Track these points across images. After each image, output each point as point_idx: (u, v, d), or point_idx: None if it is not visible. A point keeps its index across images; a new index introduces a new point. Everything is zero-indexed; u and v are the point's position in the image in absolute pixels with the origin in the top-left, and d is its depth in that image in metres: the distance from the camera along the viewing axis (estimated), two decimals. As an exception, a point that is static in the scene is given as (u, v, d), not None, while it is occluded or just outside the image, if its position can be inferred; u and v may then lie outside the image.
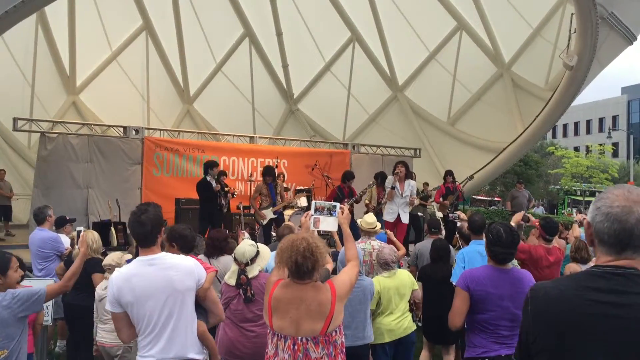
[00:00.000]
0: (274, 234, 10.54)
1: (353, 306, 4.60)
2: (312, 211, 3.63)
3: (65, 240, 6.85)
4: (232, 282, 4.38)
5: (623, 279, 1.70)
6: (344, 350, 3.23)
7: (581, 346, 1.69)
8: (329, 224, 3.63)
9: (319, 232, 3.71)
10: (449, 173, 12.06)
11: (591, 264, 3.82)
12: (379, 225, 6.52)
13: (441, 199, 11.74)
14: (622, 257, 1.74)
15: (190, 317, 3.33)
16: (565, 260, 6.47)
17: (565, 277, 1.91)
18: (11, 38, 14.11)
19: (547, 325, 1.76)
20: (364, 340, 4.70)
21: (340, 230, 3.85)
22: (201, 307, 3.52)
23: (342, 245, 3.99)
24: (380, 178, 11.15)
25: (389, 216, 9.61)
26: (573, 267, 6.28)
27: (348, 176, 11.11)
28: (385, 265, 5.24)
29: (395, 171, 9.70)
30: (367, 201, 11.01)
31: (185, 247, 4.39)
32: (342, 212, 3.64)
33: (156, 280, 3.21)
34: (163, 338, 3.22)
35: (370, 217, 6.47)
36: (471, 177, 12.92)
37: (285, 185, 13.39)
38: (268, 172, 10.92)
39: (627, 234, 1.72)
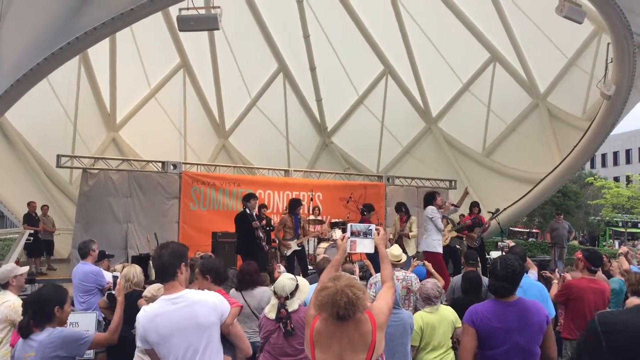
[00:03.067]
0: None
1: (394, 340, 4.53)
2: (348, 234, 3.60)
3: (107, 275, 6.97)
4: (272, 315, 4.39)
5: None
6: None
7: None
8: (365, 246, 3.58)
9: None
10: (474, 204, 12.02)
11: None
12: (404, 257, 6.47)
13: (467, 231, 11.61)
14: None
15: (216, 352, 3.33)
16: (617, 294, 6.31)
17: (632, 310, 1.83)
18: (55, 76, 14.56)
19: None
20: None
21: (373, 255, 3.81)
22: (229, 342, 3.52)
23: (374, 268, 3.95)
24: (404, 209, 11.23)
25: (440, 247, 9.49)
26: (637, 301, 6.05)
27: (369, 208, 11.53)
28: (428, 300, 5.16)
29: (439, 202, 9.63)
30: (390, 236, 11.07)
31: (218, 279, 4.41)
32: (378, 234, 3.61)
33: (180, 319, 3.23)
34: None
35: (397, 250, 6.41)
36: (500, 211, 12.31)
37: (320, 217, 13.43)
38: (297, 204, 11.08)
39: None
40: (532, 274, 6.26)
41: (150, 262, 10.71)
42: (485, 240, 12.11)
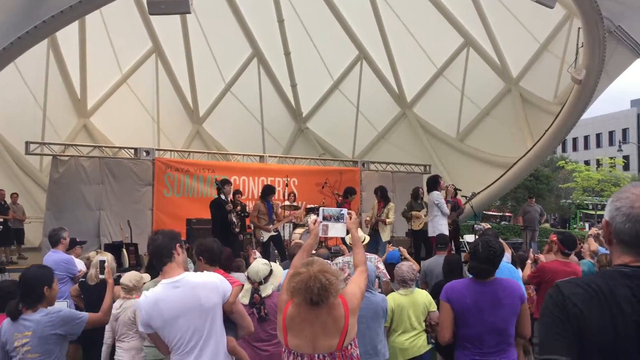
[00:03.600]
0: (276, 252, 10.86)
1: (366, 322, 4.56)
2: (320, 218, 3.58)
3: (79, 263, 6.87)
4: (246, 301, 4.38)
5: None
6: None
7: (619, 347, 1.67)
8: (337, 230, 3.58)
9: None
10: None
11: None
12: (367, 239, 6.52)
13: None
14: None
15: (220, 333, 3.36)
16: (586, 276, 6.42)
17: (596, 275, 1.89)
18: (23, 62, 14.27)
19: (589, 326, 1.72)
20: (377, 357, 4.65)
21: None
22: (229, 321, 3.52)
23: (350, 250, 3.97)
24: (380, 192, 11.27)
25: (446, 231, 9.69)
26: None
27: (350, 192, 11.53)
28: (403, 283, 5.20)
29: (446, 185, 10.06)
30: (367, 218, 11.13)
31: (212, 260, 4.37)
32: (350, 217, 3.61)
33: (184, 302, 3.24)
34: (193, 355, 3.24)
35: (360, 234, 6.44)
36: (474, 195, 12.43)
37: (296, 203, 13.42)
38: (269, 191, 11.11)
39: None
40: (506, 256, 6.33)
41: (124, 250, 10.62)
42: (460, 223, 12.22)
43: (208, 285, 3.33)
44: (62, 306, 4.17)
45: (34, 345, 3.56)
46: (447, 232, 9.61)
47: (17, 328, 3.62)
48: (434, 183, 10.19)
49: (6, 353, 3.65)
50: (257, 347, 4.33)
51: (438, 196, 9.86)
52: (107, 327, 5.02)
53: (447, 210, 9.92)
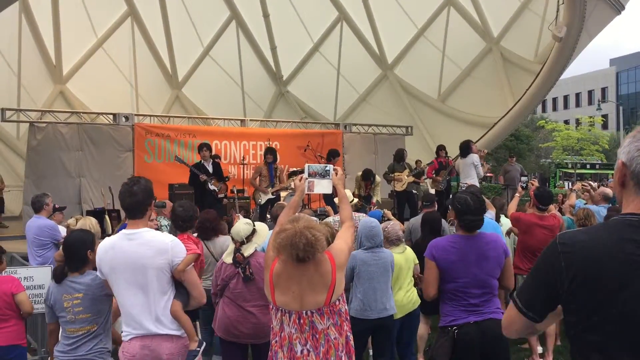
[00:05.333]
0: (268, 215, 10.67)
1: (376, 278, 4.73)
2: (305, 175, 3.56)
3: (61, 229, 6.82)
4: (229, 260, 4.39)
5: None
6: (349, 317, 3.24)
7: (624, 303, 1.60)
8: (323, 186, 3.55)
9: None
10: (441, 148, 12.09)
11: None
12: (355, 200, 6.59)
13: (434, 174, 11.77)
14: None
15: (160, 294, 3.38)
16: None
17: (599, 227, 1.80)
18: (-6, 27, 13.97)
19: (589, 282, 1.65)
20: (388, 311, 4.80)
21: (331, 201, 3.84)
22: (182, 287, 3.52)
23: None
24: (363, 174, 11.07)
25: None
26: None
27: (334, 154, 11.37)
28: (397, 241, 5.26)
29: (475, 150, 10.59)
30: (355, 191, 11.07)
31: (176, 225, 4.38)
32: (337, 174, 3.59)
33: (128, 256, 3.34)
34: (134, 313, 3.35)
35: (347, 194, 6.49)
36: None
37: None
38: (270, 151, 11.14)
39: None
40: (490, 214, 6.40)
41: (106, 216, 10.55)
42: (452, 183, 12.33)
43: (156, 245, 3.37)
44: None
45: (86, 306, 3.69)
46: None
47: (65, 290, 3.74)
48: (467, 147, 10.72)
49: (54, 312, 3.82)
50: (243, 307, 4.34)
51: (477, 159, 10.41)
52: None
53: (482, 172, 10.56)
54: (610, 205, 7.23)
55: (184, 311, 3.54)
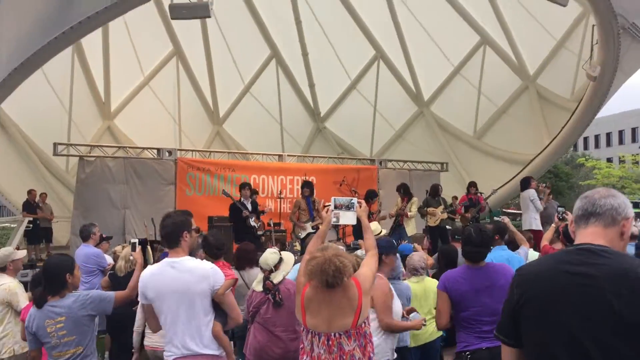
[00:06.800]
0: None
1: None
2: (332, 207, 3.84)
3: (107, 257, 7.21)
4: (259, 288, 4.66)
5: (590, 253, 1.95)
6: (372, 339, 3.47)
7: (558, 313, 1.93)
8: (348, 218, 3.81)
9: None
10: (471, 184, 12.27)
11: None
12: (384, 232, 6.76)
13: (462, 211, 11.90)
14: (589, 227, 2.04)
15: (203, 317, 3.64)
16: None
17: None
18: (49, 66, 14.60)
19: (530, 297, 2.01)
20: (402, 343, 4.94)
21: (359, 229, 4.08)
22: (221, 309, 3.80)
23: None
24: (403, 190, 11.47)
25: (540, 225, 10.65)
26: None
27: (372, 195, 11.37)
28: (414, 271, 5.45)
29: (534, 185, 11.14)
30: (392, 212, 11.32)
31: (210, 253, 4.68)
32: (360, 206, 3.86)
33: (173, 281, 3.61)
34: (178, 334, 3.60)
35: (374, 225, 6.67)
36: (495, 191, 12.91)
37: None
38: (307, 185, 11.39)
39: (591, 203, 2.06)
40: (524, 249, 6.46)
41: (148, 247, 10.94)
42: (480, 220, 12.39)
43: (199, 272, 3.66)
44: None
45: (69, 328, 3.78)
46: (540, 226, 10.57)
47: (46, 315, 3.80)
48: (525, 182, 11.30)
49: (37, 339, 3.86)
50: (273, 332, 4.58)
51: (533, 193, 10.86)
52: (138, 315, 5.31)
53: (540, 206, 10.89)
54: (638, 242, 7.22)
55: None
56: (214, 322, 3.72)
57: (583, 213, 2.08)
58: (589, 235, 2.03)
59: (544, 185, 12.12)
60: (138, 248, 4.99)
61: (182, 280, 3.61)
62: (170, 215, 3.79)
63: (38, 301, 3.87)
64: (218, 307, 3.77)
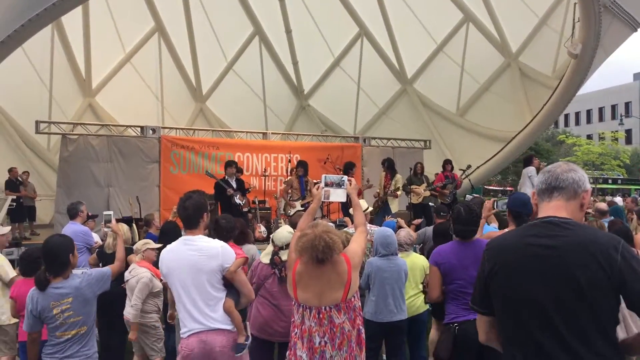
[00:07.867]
0: None
1: (389, 284, 5.09)
2: (322, 184, 3.92)
3: (94, 235, 7.23)
4: (266, 260, 4.73)
5: (553, 225, 2.10)
6: (362, 312, 3.60)
7: (524, 282, 2.09)
8: (338, 195, 3.91)
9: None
10: (447, 162, 12.44)
11: None
12: (370, 209, 6.90)
13: (440, 188, 12.08)
14: (553, 200, 2.17)
15: (213, 292, 3.75)
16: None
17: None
18: (28, 43, 14.43)
19: (499, 269, 2.18)
20: (400, 315, 5.16)
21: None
22: (232, 286, 3.89)
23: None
24: (387, 164, 11.63)
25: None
26: None
27: (350, 166, 11.72)
28: (401, 247, 5.59)
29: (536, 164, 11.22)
30: (377, 190, 11.47)
31: (221, 236, 4.74)
32: (350, 184, 3.95)
33: (183, 258, 3.74)
34: (191, 310, 3.72)
35: (363, 203, 6.78)
36: (469, 167, 12.80)
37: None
38: (301, 165, 11.56)
39: (554, 177, 2.18)
40: (493, 226, 6.61)
41: (134, 224, 10.96)
42: (457, 197, 12.56)
43: (207, 251, 3.76)
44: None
45: (76, 309, 3.76)
46: None
47: (52, 297, 3.74)
48: (528, 160, 11.46)
49: (40, 321, 3.80)
50: (277, 307, 4.65)
51: (532, 171, 10.95)
52: (135, 292, 5.40)
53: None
54: (613, 218, 7.44)
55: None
56: (226, 298, 3.81)
57: (547, 187, 2.21)
58: (552, 208, 2.17)
59: (545, 164, 12.30)
60: (114, 220, 5.11)
61: (192, 257, 3.73)
62: (191, 197, 3.86)
63: (41, 283, 3.79)
64: (230, 285, 3.86)
